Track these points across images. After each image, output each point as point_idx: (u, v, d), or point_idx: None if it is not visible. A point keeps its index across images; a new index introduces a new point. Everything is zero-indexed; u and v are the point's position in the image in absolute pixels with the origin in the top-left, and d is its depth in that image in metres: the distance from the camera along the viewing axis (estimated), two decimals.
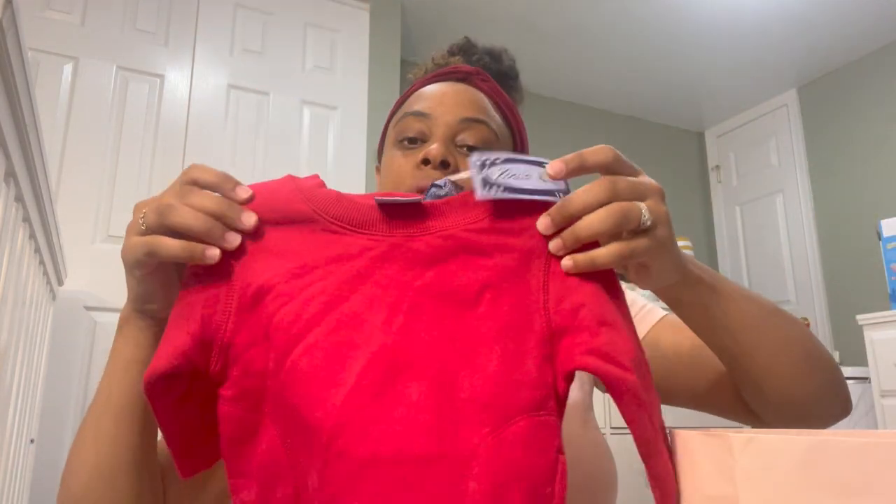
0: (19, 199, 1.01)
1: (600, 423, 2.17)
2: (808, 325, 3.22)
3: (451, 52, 0.80)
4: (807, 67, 3.41)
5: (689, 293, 0.54)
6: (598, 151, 0.46)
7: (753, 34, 3.12)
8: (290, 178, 0.50)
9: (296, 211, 0.47)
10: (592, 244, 0.45)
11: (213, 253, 0.45)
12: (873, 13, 2.96)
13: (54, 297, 1.72)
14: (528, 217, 0.46)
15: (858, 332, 2.47)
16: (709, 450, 0.37)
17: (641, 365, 0.42)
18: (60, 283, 1.74)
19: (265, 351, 0.44)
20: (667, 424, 0.44)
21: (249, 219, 0.46)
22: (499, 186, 0.45)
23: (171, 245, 0.45)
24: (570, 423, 0.69)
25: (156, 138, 2.24)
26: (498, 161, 0.46)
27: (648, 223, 0.45)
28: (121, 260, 0.49)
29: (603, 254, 0.44)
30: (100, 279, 2.03)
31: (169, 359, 0.43)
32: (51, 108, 2.09)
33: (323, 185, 0.50)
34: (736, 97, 3.74)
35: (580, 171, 0.46)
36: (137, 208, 0.48)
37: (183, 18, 2.38)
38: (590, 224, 0.44)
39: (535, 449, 0.41)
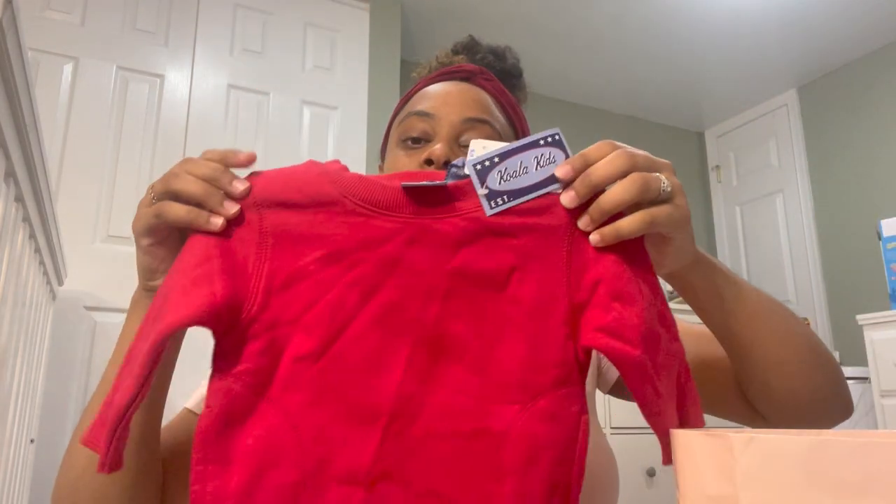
0: (19, 199, 1.01)
1: (600, 422, 2.17)
2: (808, 325, 3.21)
3: (455, 51, 0.80)
4: (807, 67, 3.41)
5: (703, 278, 0.55)
6: (600, 148, 0.47)
7: (753, 34, 3.12)
8: (313, 162, 0.51)
9: (323, 193, 0.48)
10: (615, 216, 0.47)
11: (217, 221, 0.46)
12: (873, 13, 2.96)
13: (54, 297, 1.72)
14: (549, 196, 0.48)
15: (858, 332, 2.47)
16: (709, 450, 0.37)
17: (652, 334, 0.45)
18: (60, 283, 1.74)
19: (291, 334, 0.45)
20: None
21: (241, 185, 0.47)
22: (504, 197, 0.46)
23: (177, 209, 0.47)
24: None
25: (156, 138, 2.24)
26: (495, 161, 0.47)
27: (668, 189, 0.47)
28: (131, 232, 0.51)
29: (627, 223, 0.46)
30: (100, 279, 2.03)
31: (194, 313, 0.43)
32: (51, 108, 2.09)
33: (346, 168, 0.50)
34: (736, 97, 3.74)
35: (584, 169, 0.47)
36: (149, 188, 0.50)
37: (183, 18, 2.38)
38: (614, 195, 0.45)
39: (559, 419, 0.45)
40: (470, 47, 0.80)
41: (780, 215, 3.63)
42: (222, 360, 0.45)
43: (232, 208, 0.47)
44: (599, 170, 0.46)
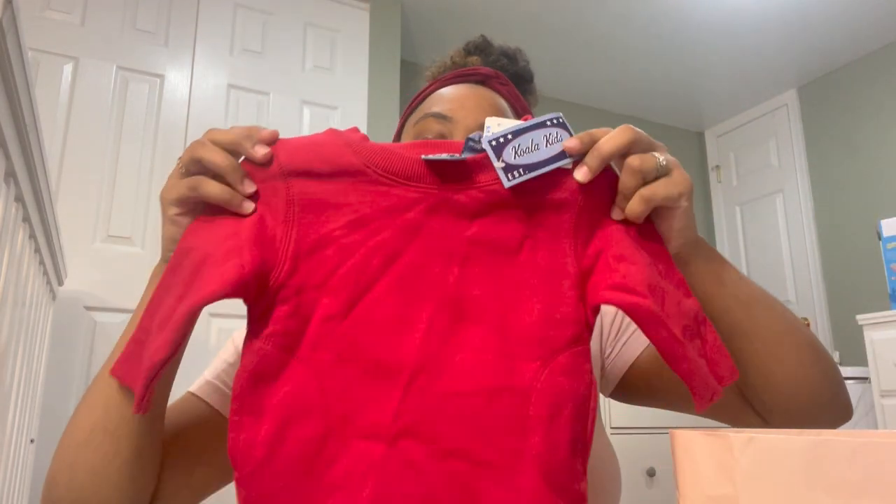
0: (19, 199, 1.01)
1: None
2: (808, 325, 3.22)
3: (469, 51, 0.80)
4: (807, 67, 3.41)
5: (704, 262, 0.56)
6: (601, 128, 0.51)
7: (753, 34, 3.12)
8: (334, 131, 0.52)
9: (347, 164, 0.50)
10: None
11: (248, 206, 0.49)
12: (873, 13, 2.96)
13: (54, 297, 1.72)
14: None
15: (858, 332, 2.47)
16: (709, 450, 0.37)
17: (657, 287, 0.48)
18: (60, 283, 1.74)
19: (318, 297, 0.48)
20: (667, 425, 0.45)
21: (262, 150, 0.49)
22: (520, 170, 0.49)
23: (213, 187, 0.49)
24: None
25: (156, 138, 2.24)
26: (509, 138, 0.50)
27: (665, 164, 0.50)
28: (159, 200, 0.52)
29: (632, 204, 0.49)
30: (100, 279, 2.03)
31: (223, 286, 0.45)
32: (51, 108, 2.09)
33: (366, 138, 0.52)
34: (736, 97, 3.74)
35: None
36: (179, 159, 0.52)
37: (183, 18, 2.38)
38: (609, 140, 0.49)
39: (576, 375, 0.47)
40: (483, 48, 0.80)
41: (780, 215, 3.63)
42: (255, 324, 0.48)
43: (250, 188, 0.49)
44: (607, 143, 0.49)
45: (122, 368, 0.49)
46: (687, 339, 0.47)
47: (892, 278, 2.44)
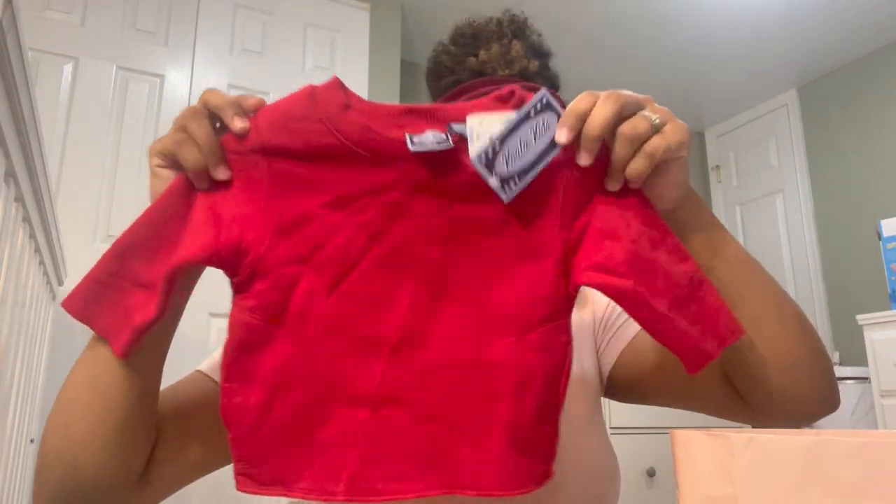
0: (19, 199, 1.01)
1: None
2: None
3: (527, 54, 0.79)
4: (807, 67, 3.41)
5: (693, 212, 0.56)
6: (584, 100, 0.49)
7: (753, 34, 3.12)
8: (311, 96, 0.50)
9: (326, 144, 0.50)
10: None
11: (205, 186, 0.49)
12: (873, 13, 2.96)
13: (54, 297, 1.72)
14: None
15: (858, 332, 2.47)
16: (709, 450, 0.37)
17: (645, 261, 0.48)
18: (60, 283, 1.74)
19: (301, 272, 0.49)
20: (667, 425, 0.45)
21: (241, 123, 0.49)
22: (515, 179, 0.48)
23: (190, 153, 0.49)
24: (577, 424, 0.69)
25: (156, 138, 2.24)
26: (497, 148, 0.48)
27: (658, 121, 0.49)
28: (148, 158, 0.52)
29: (633, 166, 0.49)
30: None
31: (203, 250, 0.48)
32: (51, 108, 2.09)
33: (345, 101, 0.50)
34: (736, 97, 3.74)
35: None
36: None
37: (183, 18, 2.38)
38: (596, 119, 0.48)
39: (549, 349, 0.50)
40: (538, 53, 0.82)
41: (780, 215, 3.63)
42: (238, 296, 0.49)
43: (222, 174, 0.49)
44: (595, 121, 0.48)
45: (88, 310, 0.51)
46: (675, 309, 0.49)
47: (892, 278, 2.44)
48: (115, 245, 0.50)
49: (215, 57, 2.40)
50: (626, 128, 0.48)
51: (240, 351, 0.49)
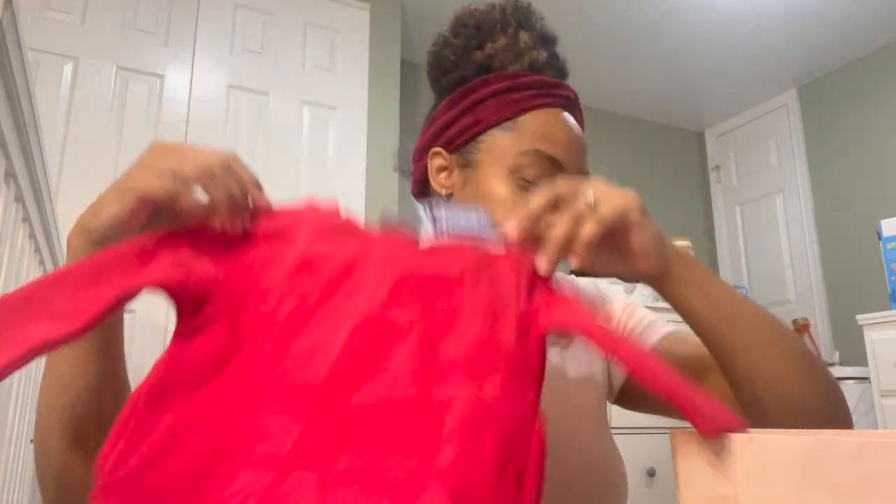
0: (19, 199, 1.01)
1: None
2: (808, 325, 3.22)
3: (534, 45, 0.76)
4: (807, 67, 3.41)
5: (687, 273, 0.55)
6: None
7: (753, 34, 3.12)
8: (312, 217, 0.52)
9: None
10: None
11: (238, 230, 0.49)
12: (873, 13, 2.96)
13: None
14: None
15: (858, 332, 2.47)
16: (709, 450, 0.37)
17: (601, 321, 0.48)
18: None
19: (248, 327, 0.47)
20: (667, 425, 0.44)
21: (244, 222, 0.49)
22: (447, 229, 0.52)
23: (194, 205, 0.47)
24: (584, 425, 0.68)
25: (156, 138, 2.24)
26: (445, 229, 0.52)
27: (591, 200, 0.50)
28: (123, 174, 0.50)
29: (540, 258, 0.49)
30: None
31: (160, 278, 0.46)
32: (51, 108, 2.09)
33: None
34: (736, 97, 3.74)
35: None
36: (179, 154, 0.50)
37: (183, 18, 2.38)
38: (557, 234, 0.49)
39: (511, 397, 0.45)
40: (545, 40, 0.79)
41: (780, 215, 3.63)
42: (178, 339, 0.46)
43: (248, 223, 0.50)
44: (557, 230, 0.49)
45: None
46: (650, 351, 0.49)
47: (892, 278, 2.44)
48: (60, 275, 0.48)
49: (215, 57, 2.40)
50: (566, 215, 0.50)
51: (155, 391, 0.44)
